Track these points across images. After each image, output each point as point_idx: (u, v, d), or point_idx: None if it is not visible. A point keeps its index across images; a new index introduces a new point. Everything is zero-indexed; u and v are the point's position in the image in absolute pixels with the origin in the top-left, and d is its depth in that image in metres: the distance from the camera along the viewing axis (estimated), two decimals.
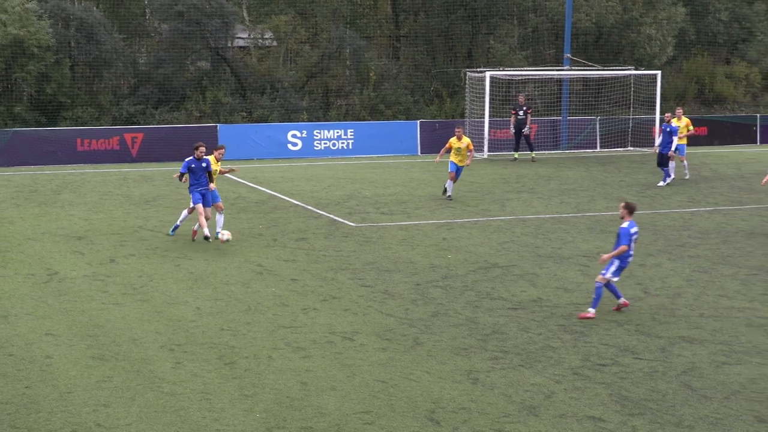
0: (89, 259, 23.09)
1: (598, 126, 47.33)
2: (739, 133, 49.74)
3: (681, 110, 36.41)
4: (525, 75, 47.73)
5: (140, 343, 16.78)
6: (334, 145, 44.27)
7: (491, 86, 44.38)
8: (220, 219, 25.05)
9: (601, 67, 47.84)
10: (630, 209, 18.82)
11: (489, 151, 44.22)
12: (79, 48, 45.39)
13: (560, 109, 46.97)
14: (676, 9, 51.15)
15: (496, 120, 45.37)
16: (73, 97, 45.19)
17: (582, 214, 29.69)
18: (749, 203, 31.93)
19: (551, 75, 48.11)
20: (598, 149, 47.09)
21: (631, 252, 18.78)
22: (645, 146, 46.97)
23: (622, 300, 19.03)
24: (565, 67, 47.24)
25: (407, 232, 26.57)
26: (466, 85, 46.36)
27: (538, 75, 47.98)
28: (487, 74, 44.25)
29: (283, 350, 16.47)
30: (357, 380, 15.04)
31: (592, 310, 18.63)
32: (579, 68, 47.50)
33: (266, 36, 52.22)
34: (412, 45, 53.53)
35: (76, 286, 20.67)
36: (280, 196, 32.70)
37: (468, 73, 46.38)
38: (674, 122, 35.42)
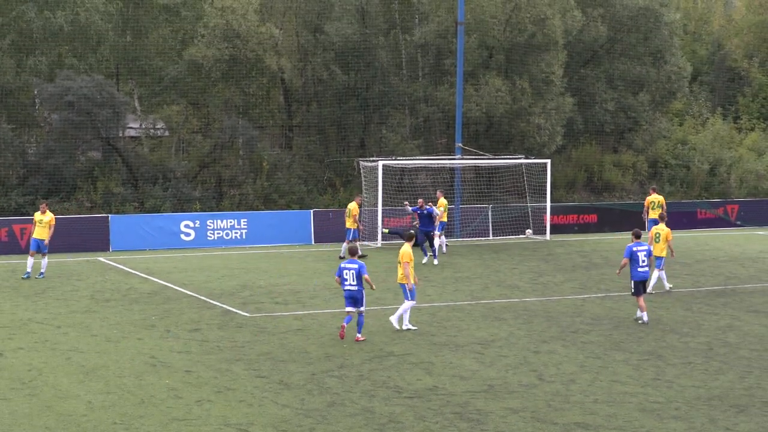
0: None
1: (490, 214, 47.84)
2: (628, 219, 50.48)
3: (440, 193, 41.61)
4: (417, 164, 48.21)
5: None
6: (227, 234, 44.05)
7: (384, 175, 44.66)
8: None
9: (492, 156, 48.52)
10: None
11: (383, 240, 44.32)
12: None
13: (453, 198, 47.36)
14: (564, 99, 52.18)
15: (389, 209, 45.59)
16: None
17: (476, 302, 29.86)
18: None
19: (443, 164, 48.64)
20: (491, 237, 47.52)
21: None
22: (538, 234, 47.57)
23: None
24: (456, 156, 47.79)
25: (302, 322, 26.47)
26: (360, 174, 46.58)
27: (431, 164, 48.48)
28: (380, 163, 44.55)
29: None
30: None
31: None
32: (470, 157, 48.09)
33: (158, 126, 52.04)
34: (304, 134, 53.78)
35: None
36: (173, 286, 32.37)
37: (361, 162, 46.66)
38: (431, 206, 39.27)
